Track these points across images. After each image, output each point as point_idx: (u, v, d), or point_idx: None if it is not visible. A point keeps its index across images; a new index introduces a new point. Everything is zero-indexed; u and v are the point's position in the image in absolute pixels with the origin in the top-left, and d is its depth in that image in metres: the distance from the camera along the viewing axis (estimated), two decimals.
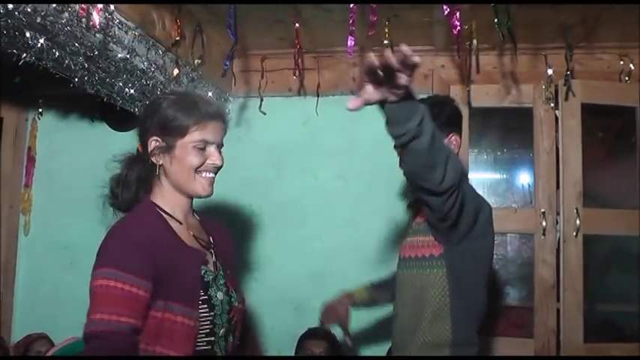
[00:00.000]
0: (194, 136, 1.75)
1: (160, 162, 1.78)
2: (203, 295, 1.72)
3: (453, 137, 2.27)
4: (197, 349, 1.68)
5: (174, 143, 1.75)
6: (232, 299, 1.82)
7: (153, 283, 1.61)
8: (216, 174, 1.83)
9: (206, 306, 1.71)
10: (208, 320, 1.71)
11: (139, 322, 1.57)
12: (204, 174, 1.79)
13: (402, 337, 2.22)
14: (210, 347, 1.72)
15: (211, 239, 1.90)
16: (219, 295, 1.77)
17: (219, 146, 1.82)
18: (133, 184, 1.82)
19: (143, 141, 1.81)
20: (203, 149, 1.77)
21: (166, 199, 1.81)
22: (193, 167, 1.76)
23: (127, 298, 1.57)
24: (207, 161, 1.78)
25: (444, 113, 2.24)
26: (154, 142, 1.77)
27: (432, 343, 2.10)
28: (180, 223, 1.82)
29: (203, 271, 1.77)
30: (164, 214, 1.79)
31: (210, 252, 1.86)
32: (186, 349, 1.65)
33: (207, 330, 1.70)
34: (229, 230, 2.08)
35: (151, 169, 1.80)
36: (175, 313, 1.65)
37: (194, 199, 1.87)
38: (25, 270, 3.77)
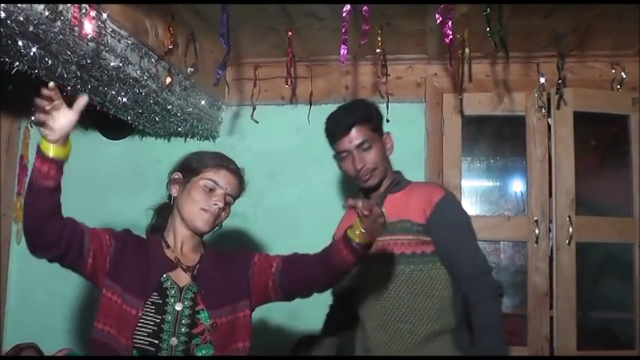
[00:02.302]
0: (206, 175, 2.00)
1: (175, 194, 2.04)
2: (156, 298, 1.90)
3: (389, 136, 2.44)
4: (137, 341, 1.84)
5: (189, 179, 2.02)
6: (198, 315, 1.93)
7: (117, 271, 1.90)
8: (217, 217, 2.01)
9: (154, 308, 1.88)
10: (153, 322, 1.86)
11: (87, 231, 1.87)
12: (205, 211, 1.98)
13: (395, 329, 2.30)
14: (152, 348, 1.85)
15: (198, 266, 2.04)
16: (178, 306, 1.91)
17: (227, 195, 2.02)
18: (163, 228, 2.09)
19: (169, 178, 2.09)
20: (212, 190, 2.00)
21: (170, 229, 2.06)
22: (197, 202, 1.98)
23: (99, 231, 1.93)
24: (211, 201, 1.98)
25: (379, 115, 2.45)
26: (175, 176, 2.06)
27: (437, 332, 2.27)
28: (169, 247, 2.03)
29: (164, 279, 1.94)
30: (162, 241, 2.05)
31: (188, 274, 2.00)
32: (126, 332, 1.84)
33: (150, 330, 1.86)
34: (248, 255, 2.15)
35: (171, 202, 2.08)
36: (124, 300, 1.87)
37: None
38: (16, 279, 3.75)
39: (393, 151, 2.43)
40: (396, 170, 2.49)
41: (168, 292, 1.92)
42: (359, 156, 2.33)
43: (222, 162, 2.04)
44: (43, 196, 1.71)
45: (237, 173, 2.07)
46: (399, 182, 2.42)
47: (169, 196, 2.09)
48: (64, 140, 1.67)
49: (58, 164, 1.68)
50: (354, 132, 2.33)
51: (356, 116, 2.36)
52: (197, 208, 1.98)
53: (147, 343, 1.84)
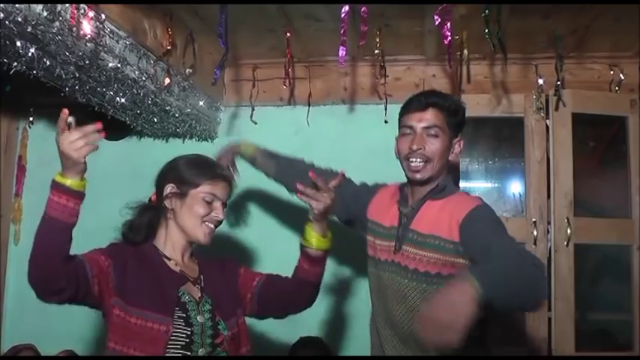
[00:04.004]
0: (205, 188, 2.02)
1: (172, 206, 2.04)
2: (180, 312, 1.92)
3: (460, 143, 2.25)
4: (170, 356, 1.85)
5: (187, 191, 2.02)
6: (218, 326, 1.97)
7: (127, 290, 1.88)
8: (216, 227, 2.07)
9: (182, 322, 1.90)
10: (184, 334, 1.88)
11: (86, 259, 1.83)
12: (207, 224, 2.03)
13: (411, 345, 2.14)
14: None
15: (202, 277, 2.08)
16: (199, 318, 1.94)
17: (224, 204, 2.08)
18: (143, 230, 2.07)
19: (159, 188, 2.08)
20: (210, 202, 2.03)
21: (167, 241, 2.06)
22: (199, 216, 2.01)
23: (92, 254, 1.89)
24: (212, 214, 2.03)
25: (463, 117, 2.26)
26: (169, 188, 2.04)
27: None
28: (170, 260, 2.04)
29: (181, 292, 1.97)
30: (158, 251, 2.05)
31: (197, 286, 2.04)
32: (157, 350, 1.84)
33: (183, 343, 1.88)
34: (235, 265, 2.23)
35: (160, 213, 2.07)
36: (146, 319, 1.85)
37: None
38: (14, 280, 3.74)
39: (457, 159, 2.30)
40: (448, 176, 2.25)
41: (188, 306, 1.95)
42: (421, 137, 2.15)
43: (218, 172, 2.08)
44: (66, 236, 1.71)
45: (231, 180, 2.13)
46: (443, 189, 2.18)
47: (150, 200, 2.13)
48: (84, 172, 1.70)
49: (82, 198, 1.71)
50: (429, 112, 2.16)
51: (441, 101, 2.18)
52: (199, 222, 2.02)
53: (180, 355, 1.86)
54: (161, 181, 2.08)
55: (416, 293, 2.12)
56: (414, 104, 2.20)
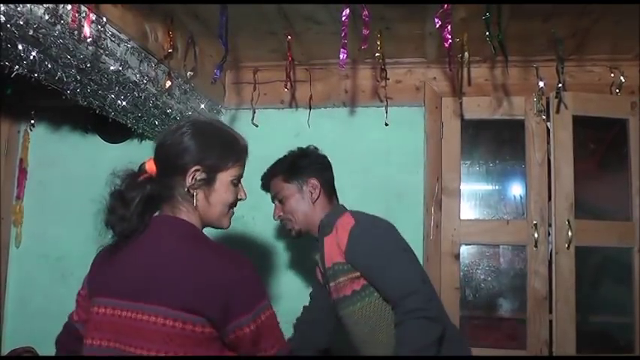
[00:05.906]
0: (233, 171, 1.74)
1: (196, 193, 1.69)
2: None
3: (307, 182, 2.53)
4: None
5: (215, 176, 1.70)
6: None
7: None
8: None
9: None
10: None
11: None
12: (233, 209, 1.80)
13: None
14: None
15: None
16: None
17: None
18: (136, 219, 1.65)
19: (179, 169, 1.67)
20: (237, 185, 1.77)
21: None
22: (229, 203, 1.76)
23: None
24: (237, 197, 1.79)
25: (298, 166, 2.58)
26: (197, 173, 1.67)
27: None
28: None
29: None
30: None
31: None
32: None
33: None
34: None
35: (163, 192, 1.69)
36: None
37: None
38: (15, 282, 3.75)
39: (316, 194, 2.50)
40: (339, 205, 2.56)
41: None
42: (277, 207, 2.58)
43: (244, 149, 1.78)
44: None
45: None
46: (326, 224, 2.44)
47: (144, 171, 1.73)
48: None
49: None
50: (270, 187, 2.61)
51: (271, 172, 2.62)
52: (227, 209, 1.75)
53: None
54: (181, 161, 1.67)
55: (354, 316, 2.39)
56: (261, 187, 2.65)
